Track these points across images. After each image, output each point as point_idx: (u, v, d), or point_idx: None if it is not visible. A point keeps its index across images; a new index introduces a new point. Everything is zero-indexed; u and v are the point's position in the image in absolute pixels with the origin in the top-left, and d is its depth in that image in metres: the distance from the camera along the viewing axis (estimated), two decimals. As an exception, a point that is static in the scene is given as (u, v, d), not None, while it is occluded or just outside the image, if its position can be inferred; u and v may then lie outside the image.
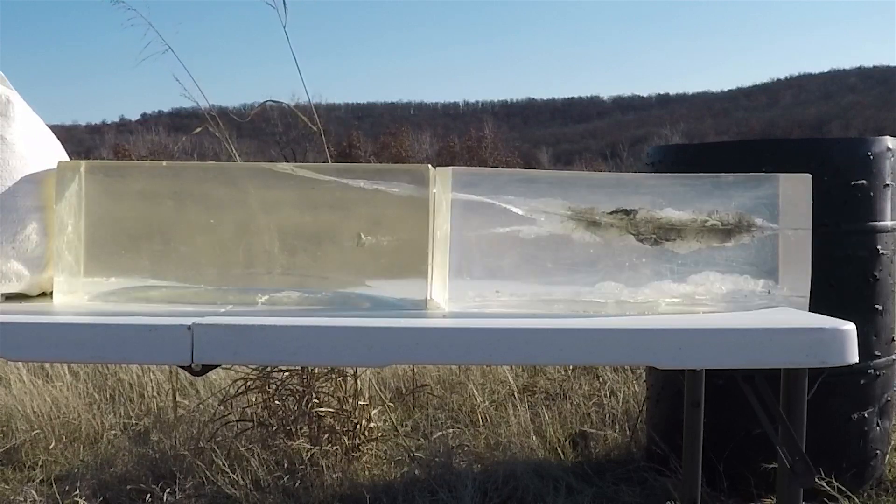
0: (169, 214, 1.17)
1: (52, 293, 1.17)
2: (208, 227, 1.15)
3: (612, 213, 1.09)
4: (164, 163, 1.21)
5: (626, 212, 1.09)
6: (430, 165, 1.14)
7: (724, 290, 1.09)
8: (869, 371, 2.58)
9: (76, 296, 1.15)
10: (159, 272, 1.15)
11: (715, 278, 1.09)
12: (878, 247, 2.59)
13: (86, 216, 1.16)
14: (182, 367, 0.98)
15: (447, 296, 1.11)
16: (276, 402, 2.98)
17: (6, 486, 2.84)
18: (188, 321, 0.96)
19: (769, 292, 1.10)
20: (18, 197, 1.16)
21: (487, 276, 1.10)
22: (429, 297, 1.11)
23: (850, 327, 0.96)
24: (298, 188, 1.15)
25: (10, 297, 1.18)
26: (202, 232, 1.16)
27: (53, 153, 1.29)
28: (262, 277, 1.15)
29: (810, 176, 1.11)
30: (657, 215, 1.08)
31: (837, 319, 0.97)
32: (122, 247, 1.16)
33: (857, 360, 0.96)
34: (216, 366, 1.02)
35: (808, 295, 1.12)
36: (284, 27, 3.01)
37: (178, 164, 1.22)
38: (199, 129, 3.26)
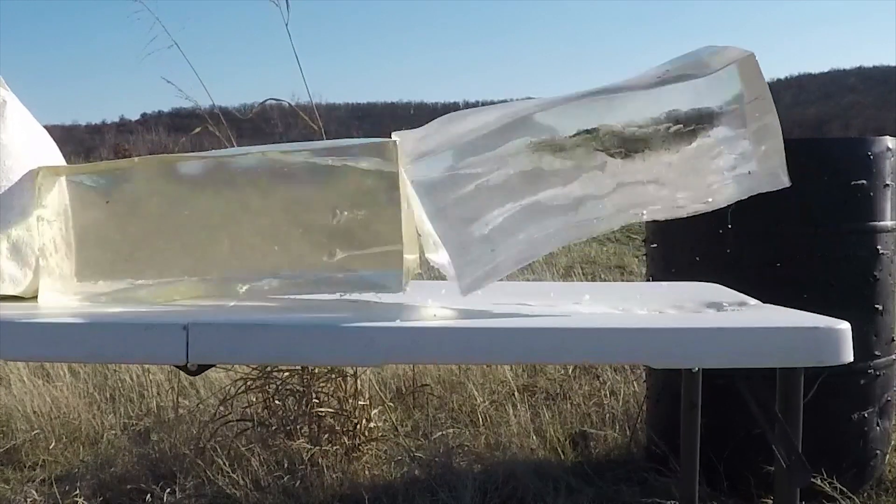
0: (148, 211, 1.17)
1: None
2: (186, 220, 1.16)
3: (574, 135, 1.07)
4: (137, 158, 1.21)
5: (588, 131, 1.07)
6: (396, 140, 1.12)
7: (703, 186, 1.08)
8: (869, 371, 2.58)
9: (64, 296, 1.16)
10: (142, 269, 1.16)
11: (691, 178, 1.07)
12: (878, 247, 2.58)
13: (72, 218, 1.16)
14: (178, 367, 0.98)
15: (452, 273, 1.10)
16: (276, 402, 2.98)
17: (6, 486, 2.85)
18: (184, 320, 0.96)
19: (749, 172, 1.09)
20: (14, 198, 1.16)
21: (479, 238, 1.09)
22: (404, 270, 1.10)
23: (844, 326, 0.95)
24: (269, 172, 1.14)
25: (4, 299, 1.18)
26: (180, 225, 1.16)
27: (49, 154, 1.29)
28: (242, 266, 1.15)
29: (753, 53, 1.08)
30: (619, 129, 1.06)
31: (832, 319, 0.97)
32: (106, 246, 1.17)
33: (851, 359, 0.95)
34: (212, 365, 1.02)
35: (785, 161, 1.10)
36: (287, 25, 3.01)
37: (153, 157, 1.21)
38: (198, 129, 3.26)
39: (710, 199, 1.10)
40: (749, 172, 1.09)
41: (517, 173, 1.07)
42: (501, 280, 1.12)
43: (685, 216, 1.11)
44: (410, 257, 1.15)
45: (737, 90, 1.06)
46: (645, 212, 1.09)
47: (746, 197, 1.11)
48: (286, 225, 1.14)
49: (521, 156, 1.07)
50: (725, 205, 1.11)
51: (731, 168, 1.09)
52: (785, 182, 1.10)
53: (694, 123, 1.06)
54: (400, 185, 1.10)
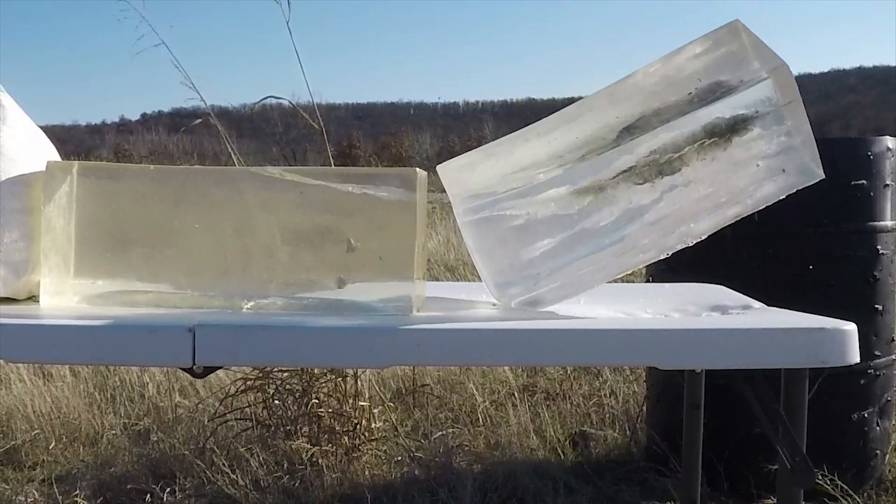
0: (157, 218, 1.17)
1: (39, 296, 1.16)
2: (195, 232, 1.15)
3: (613, 177, 1.09)
4: (152, 166, 1.21)
5: (625, 171, 1.09)
6: (417, 169, 1.13)
7: (742, 185, 1.09)
8: (869, 371, 2.58)
9: (64, 297, 1.15)
10: (146, 276, 1.15)
11: (729, 174, 1.09)
12: (878, 247, 2.59)
13: (76, 217, 1.15)
14: (183, 370, 0.98)
15: (498, 297, 1.12)
16: (276, 402, 2.98)
17: (6, 486, 2.84)
18: (190, 323, 0.96)
19: (784, 170, 1.09)
20: (4, 199, 1.16)
21: (523, 266, 1.11)
22: (412, 302, 1.10)
23: (850, 328, 0.95)
24: (287, 192, 1.14)
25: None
26: (189, 236, 1.15)
27: (45, 155, 1.28)
28: (249, 283, 1.14)
29: (787, 64, 1.09)
30: (657, 160, 1.08)
31: (838, 320, 0.97)
32: (111, 249, 1.16)
33: (857, 360, 0.96)
34: (217, 368, 1.02)
35: (818, 158, 1.11)
36: (288, 23, 3.01)
37: (168, 167, 1.22)
38: (199, 120, 3.27)
39: (749, 200, 1.11)
40: (784, 170, 1.10)
41: (562, 214, 1.10)
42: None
43: (731, 222, 1.12)
44: (420, 287, 1.15)
45: (772, 96, 1.08)
46: (693, 225, 1.10)
47: (784, 196, 1.12)
48: (297, 247, 1.14)
49: (563, 200, 1.10)
50: (765, 205, 1.12)
51: (766, 157, 1.09)
52: (819, 175, 1.11)
53: (729, 133, 1.07)
54: (417, 215, 1.10)
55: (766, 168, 1.09)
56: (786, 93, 1.08)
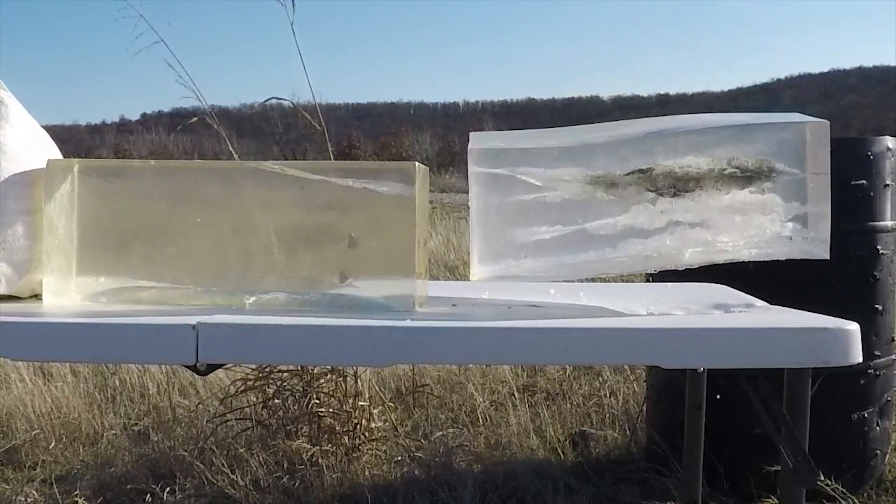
0: (159, 214, 1.17)
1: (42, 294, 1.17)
2: (197, 228, 1.16)
3: (628, 174, 1.09)
4: (153, 161, 1.21)
5: (643, 170, 1.09)
6: (416, 163, 1.13)
7: (747, 235, 1.09)
8: (869, 371, 2.58)
9: (67, 296, 1.15)
10: (149, 273, 1.16)
11: (738, 222, 1.09)
12: (878, 247, 2.59)
13: (77, 216, 1.16)
14: (187, 367, 0.98)
15: (477, 264, 1.12)
16: (276, 402, 2.98)
17: (6, 486, 2.84)
18: (193, 320, 0.96)
19: (791, 238, 1.10)
20: (7, 199, 1.16)
21: (512, 245, 1.11)
22: (415, 299, 1.10)
23: (853, 327, 0.96)
24: (287, 188, 1.15)
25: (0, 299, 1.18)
26: (191, 232, 1.16)
27: (47, 154, 1.28)
28: (251, 278, 1.15)
29: (828, 122, 1.10)
30: (674, 170, 1.08)
31: (841, 319, 0.97)
32: (113, 247, 1.16)
33: (860, 360, 0.96)
34: (221, 365, 1.02)
35: (829, 240, 1.11)
36: (292, 24, 3.01)
37: (169, 162, 1.22)
38: (195, 119, 3.26)
39: (745, 251, 1.11)
40: (790, 238, 1.10)
41: (570, 200, 1.10)
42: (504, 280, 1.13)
43: (721, 262, 1.12)
44: (421, 283, 1.15)
45: (802, 153, 1.08)
46: (687, 255, 1.11)
47: (784, 259, 1.12)
48: (298, 243, 1.14)
49: (574, 184, 1.10)
50: (764, 260, 1.12)
51: (776, 235, 1.10)
52: (824, 257, 1.12)
53: (752, 174, 1.08)
54: (416, 209, 1.10)
55: (772, 234, 1.10)
56: (815, 158, 1.08)
